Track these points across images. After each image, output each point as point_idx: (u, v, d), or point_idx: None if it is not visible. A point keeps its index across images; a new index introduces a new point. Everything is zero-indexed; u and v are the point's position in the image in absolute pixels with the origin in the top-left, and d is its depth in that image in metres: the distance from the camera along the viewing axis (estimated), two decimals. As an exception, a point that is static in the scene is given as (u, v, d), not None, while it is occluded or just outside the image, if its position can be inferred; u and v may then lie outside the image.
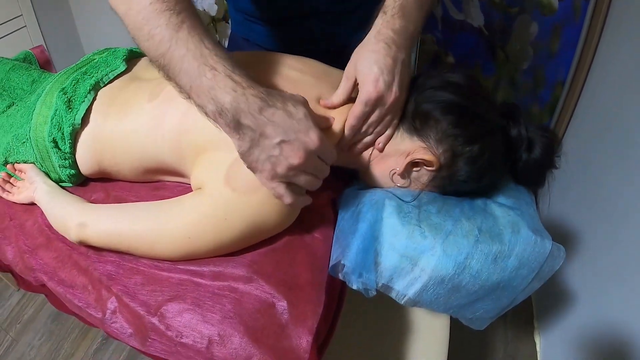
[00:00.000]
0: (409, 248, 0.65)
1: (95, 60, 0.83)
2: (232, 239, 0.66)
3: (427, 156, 0.69)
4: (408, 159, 0.70)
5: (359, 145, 0.72)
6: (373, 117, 0.68)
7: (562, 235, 1.24)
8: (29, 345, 1.46)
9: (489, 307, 0.70)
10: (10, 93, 0.94)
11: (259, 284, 0.65)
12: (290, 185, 0.60)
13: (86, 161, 0.78)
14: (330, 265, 0.68)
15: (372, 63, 0.64)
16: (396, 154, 0.71)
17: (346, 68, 0.68)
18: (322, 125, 0.65)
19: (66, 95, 0.75)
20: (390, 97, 0.66)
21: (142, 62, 0.86)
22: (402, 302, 0.67)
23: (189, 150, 0.70)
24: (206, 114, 0.57)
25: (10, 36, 1.80)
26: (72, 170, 0.78)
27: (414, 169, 0.72)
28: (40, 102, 0.77)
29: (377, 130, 0.70)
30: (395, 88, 0.65)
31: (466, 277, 0.65)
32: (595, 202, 1.17)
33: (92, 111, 0.76)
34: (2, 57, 1.04)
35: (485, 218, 0.69)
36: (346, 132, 0.68)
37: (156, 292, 0.66)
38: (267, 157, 0.56)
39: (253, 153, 0.57)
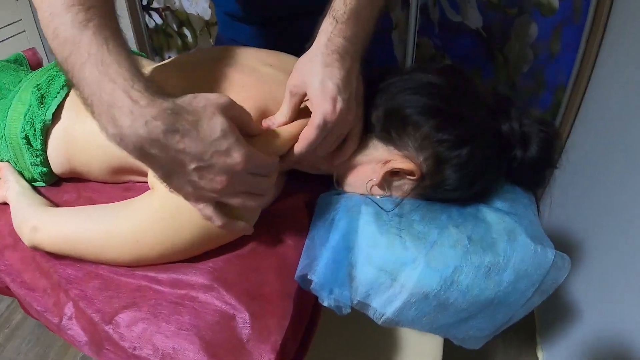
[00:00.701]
0: (387, 260, 0.56)
1: None
2: (182, 243, 0.58)
3: (406, 165, 0.60)
4: (385, 169, 0.61)
5: (312, 160, 0.63)
6: (329, 139, 0.57)
7: (564, 242, 1.15)
8: (17, 351, 1.40)
9: (482, 325, 0.60)
10: None
11: (220, 293, 0.57)
12: (222, 205, 0.52)
13: (57, 159, 0.73)
14: (295, 276, 0.59)
15: (325, 78, 0.53)
16: (372, 162, 0.63)
17: (290, 81, 0.57)
18: (256, 132, 0.56)
19: (40, 91, 0.72)
20: (350, 116, 0.56)
21: None
22: (380, 322, 0.58)
23: None
24: (108, 137, 0.46)
25: (9, 40, 1.77)
26: (44, 169, 0.74)
27: (394, 178, 0.63)
28: (16, 98, 0.74)
29: (332, 145, 0.60)
30: (353, 105, 0.56)
31: (454, 294, 0.56)
32: (600, 208, 1.08)
33: (65, 107, 0.71)
34: None
35: (476, 225, 0.59)
36: (296, 152, 0.57)
37: (113, 298, 0.60)
38: (187, 181, 0.48)
39: (171, 181, 0.48)
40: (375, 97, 0.62)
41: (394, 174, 0.62)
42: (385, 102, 0.61)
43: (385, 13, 1.34)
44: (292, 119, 0.58)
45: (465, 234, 0.58)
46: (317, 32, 0.57)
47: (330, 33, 0.55)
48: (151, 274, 0.61)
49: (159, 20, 1.78)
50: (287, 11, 0.89)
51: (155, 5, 1.75)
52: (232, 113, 0.49)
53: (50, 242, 0.63)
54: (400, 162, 0.60)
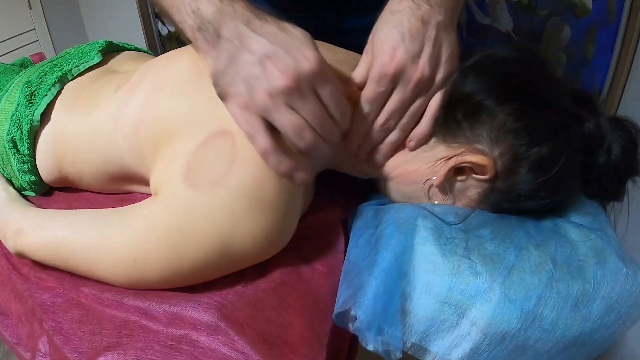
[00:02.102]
0: (453, 290, 0.41)
1: (70, 53, 0.70)
2: (191, 263, 0.44)
3: (478, 159, 0.45)
4: (451, 164, 0.46)
5: (382, 147, 0.49)
6: (393, 102, 0.46)
7: None
8: None
9: (557, 370, 0.46)
10: None
11: (228, 336, 0.42)
12: (271, 129, 0.41)
13: (46, 165, 0.63)
14: (335, 313, 0.43)
15: (391, 27, 0.45)
16: (432, 158, 0.48)
17: (369, 40, 0.48)
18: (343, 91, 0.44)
19: (30, 89, 0.63)
20: (416, 73, 0.44)
21: (121, 56, 0.72)
22: (441, 371, 0.42)
23: (147, 146, 0.51)
24: (184, 31, 0.45)
25: (21, 49, 1.70)
26: (33, 177, 0.64)
27: (458, 177, 0.48)
28: (5, 97, 0.65)
29: (403, 122, 0.47)
30: (423, 60, 0.44)
31: (536, 333, 0.42)
32: None
33: (55, 107, 0.61)
34: None
35: (559, 244, 0.45)
36: (357, 124, 0.46)
37: (94, 334, 0.47)
38: (244, 77, 0.40)
39: (228, 73, 0.41)
40: None
41: (459, 171, 0.47)
42: (452, 87, 0.47)
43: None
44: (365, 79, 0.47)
45: (549, 255, 0.43)
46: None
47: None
48: (144, 304, 0.46)
49: (172, 28, 1.71)
50: None
51: (168, 12, 1.67)
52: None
53: (36, 247, 0.52)
54: (470, 155, 0.46)
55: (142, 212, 0.47)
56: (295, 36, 0.41)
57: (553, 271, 0.42)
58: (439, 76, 0.46)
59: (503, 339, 0.41)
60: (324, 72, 0.40)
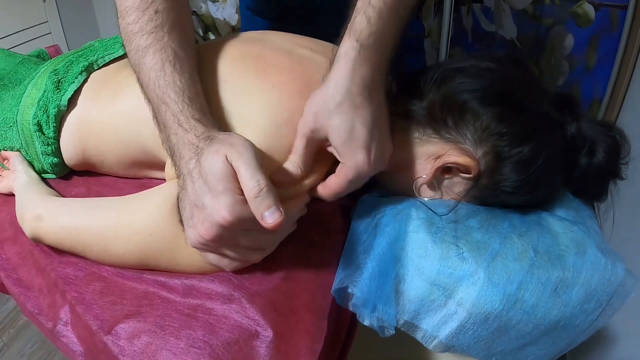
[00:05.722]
0: (442, 273, 0.46)
1: (94, 45, 0.75)
2: None
3: (463, 159, 0.49)
4: (438, 164, 0.51)
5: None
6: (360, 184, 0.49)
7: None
8: (20, 352, 1.32)
9: (542, 352, 0.50)
10: (16, 85, 0.84)
11: (241, 305, 0.46)
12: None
13: (70, 148, 0.66)
14: (333, 289, 0.48)
15: (355, 124, 0.44)
16: (422, 157, 0.52)
17: (303, 124, 0.46)
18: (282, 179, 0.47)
19: (57, 77, 0.66)
20: (386, 157, 0.48)
21: None
22: (431, 346, 0.47)
23: None
24: (165, 150, 0.49)
25: (35, 41, 1.75)
26: (55, 159, 0.67)
27: (446, 175, 0.52)
28: (32, 84, 0.69)
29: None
30: (388, 143, 0.49)
31: (517, 314, 0.46)
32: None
33: (82, 94, 0.65)
34: (14, 52, 0.96)
35: (541, 235, 0.49)
36: (320, 195, 0.49)
37: (115, 304, 0.51)
38: (185, 218, 0.44)
39: (182, 205, 0.45)
40: (424, 85, 0.53)
41: (446, 170, 0.52)
42: (441, 88, 0.51)
43: (416, 21, 1.27)
44: (307, 170, 0.48)
45: (531, 244, 0.48)
46: (335, 55, 0.46)
47: (354, 62, 0.44)
48: (162, 278, 0.51)
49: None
50: (302, 8, 0.82)
51: (181, 10, 1.70)
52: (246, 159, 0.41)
53: (53, 233, 0.55)
54: (455, 155, 0.50)
55: (162, 190, 0.51)
56: (216, 179, 0.41)
57: (534, 259, 0.46)
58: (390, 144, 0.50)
59: (487, 318, 0.45)
60: (238, 222, 0.40)
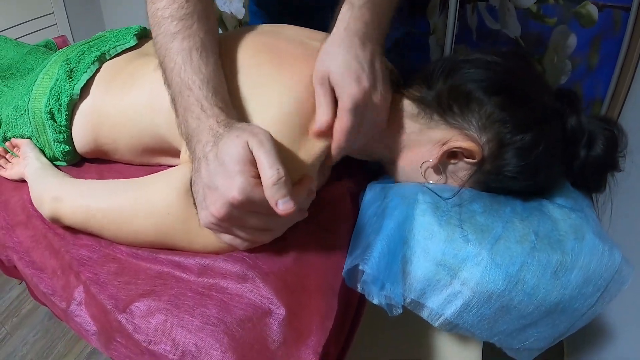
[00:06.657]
0: (447, 254, 0.48)
1: (105, 36, 0.76)
2: None
3: (467, 144, 0.52)
4: (444, 148, 0.53)
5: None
6: (365, 128, 0.52)
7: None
8: (23, 341, 1.33)
9: (542, 334, 0.52)
10: (24, 74, 0.86)
11: (255, 284, 0.48)
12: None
13: (82, 136, 0.68)
14: (345, 269, 0.50)
15: (349, 59, 0.49)
16: (429, 143, 0.55)
17: (315, 73, 0.51)
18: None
19: (69, 66, 0.67)
20: (378, 98, 0.51)
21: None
22: (437, 324, 0.49)
23: None
24: (181, 134, 0.50)
25: (40, 32, 1.75)
26: (67, 147, 0.69)
27: (451, 160, 0.55)
28: (43, 73, 0.70)
29: (368, 133, 0.54)
30: (380, 87, 0.51)
31: (519, 295, 0.48)
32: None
33: (94, 83, 0.67)
34: (22, 42, 0.98)
35: (542, 220, 0.51)
36: (334, 150, 0.52)
37: (130, 284, 0.52)
38: (198, 202, 0.46)
39: (195, 188, 0.47)
40: (433, 74, 0.56)
41: (452, 155, 0.54)
42: (448, 77, 0.54)
43: (422, 17, 1.28)
44: (333, 111, 0.50)
45: (532, 228, 0.50)
46: (335, 20, 0.52)
47: (348, 18, 0.51)
48: (177, 258, 0.53)
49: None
50: (302, 3, 0.85)
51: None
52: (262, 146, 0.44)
53: (72, 212, 0.57)
54: (460, 140, 0.52)
55: (179, 171, 0.53)
56: (227, 162, 0.43)
57: (535, 242, 0.49)
58: (389, 98, 0.54)
59: (490, 297, 0.47)
60: (248, 201, 0.42)
